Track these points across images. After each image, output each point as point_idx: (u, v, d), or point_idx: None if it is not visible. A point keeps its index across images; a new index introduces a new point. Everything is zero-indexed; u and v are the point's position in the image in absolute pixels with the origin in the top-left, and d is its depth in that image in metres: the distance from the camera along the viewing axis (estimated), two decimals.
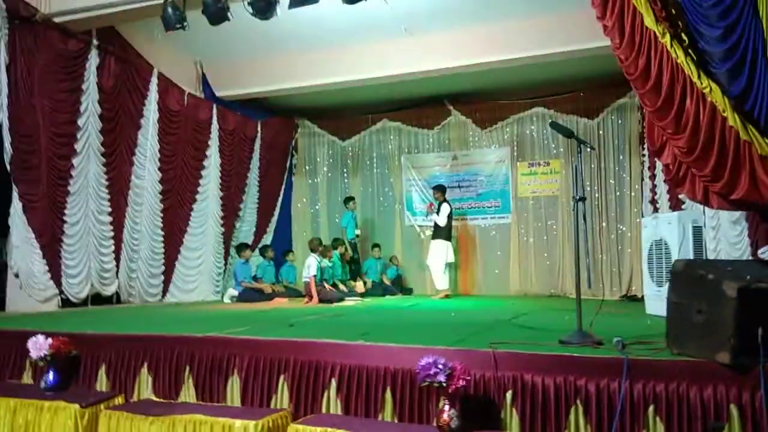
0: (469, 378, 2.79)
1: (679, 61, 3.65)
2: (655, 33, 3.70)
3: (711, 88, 3.57)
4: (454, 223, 10.15)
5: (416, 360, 2.83)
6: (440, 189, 9.16)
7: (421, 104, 10.35)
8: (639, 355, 2.86)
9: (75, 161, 6.81)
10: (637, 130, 9.06)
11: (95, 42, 6.96)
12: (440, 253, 8.79)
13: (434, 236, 8.97)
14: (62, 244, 6.70)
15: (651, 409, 2.69)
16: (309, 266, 8.01)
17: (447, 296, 8.73)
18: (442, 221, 8.80)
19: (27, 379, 4.17)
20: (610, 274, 9.15)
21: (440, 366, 2.74)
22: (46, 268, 6.50)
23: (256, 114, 10.01)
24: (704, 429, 2.59)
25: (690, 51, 3.72)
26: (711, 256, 4.89)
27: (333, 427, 2.85)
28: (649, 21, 3.75)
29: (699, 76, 3.61)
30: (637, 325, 4.44)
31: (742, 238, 4.52)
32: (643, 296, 6.30)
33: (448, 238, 8.93)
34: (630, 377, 2.74)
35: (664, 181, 7.17)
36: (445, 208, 8.84)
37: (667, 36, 3.70)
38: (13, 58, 6.07)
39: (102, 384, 3.93)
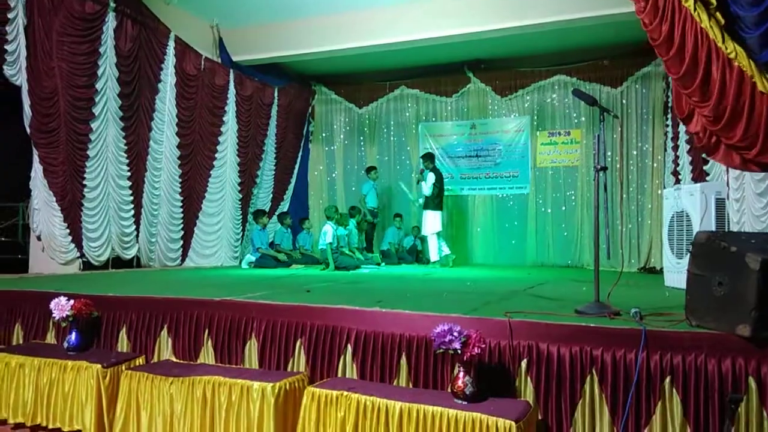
0: (484, 346, 2.79)
1: (702, 25, 3.54)
2: None
3: (736, 53, 3.45)
4: (469, 192, 10.14)
5: (432, 327, 2.84)
6: (428, 157, 8.98)
7: (440, 71, 10.19)
8: (657, 326, 2.84)
9: (94, 125, 6.84)
10: (662, 100, 8.87)
11: (112, 4, 6.91)
12: (430, 223, 8.71)
13: (424, 206, 8.85)
14: (82, 207, 6.79)
15: (668, 380, 2.68)
16: (326, 233, 8.04)
17: (442, 264, 8.71)
18: (427, 190, 8.66)
19: (50, 339, 4.27)
20: (629, 245, 9.06)
21: (455, 333, 2.74)
22: (67, 231, 6.60)
23: (273, 80, 9.95)
24: (722, 401, 2.58)
25: (716, 14, 3.58)
26: (734, 228, 4.80)
27: (349, 391, 2.88)
28: None
29: (723, 41, 3.50)
30: (655, 296, 4.41)
31: (767, 210, 4.43)
32: (662, 268, 6.25)
33: (438, 207, 8.75)
34: (647, 348, 2.72)
35: (688, 152, 7.03)
36: (430, 177, 8.65)
37: (691, 0, 3.58)
38: (30, 20, 6.06)
39: (123, 345, 4.01)
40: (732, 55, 3.45)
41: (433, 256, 8.78)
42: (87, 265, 6.87)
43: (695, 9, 3.56)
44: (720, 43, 3.48)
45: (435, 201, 8.73)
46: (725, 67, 3.48)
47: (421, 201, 8.95)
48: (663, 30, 3.72)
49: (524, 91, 9.89)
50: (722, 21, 3.54)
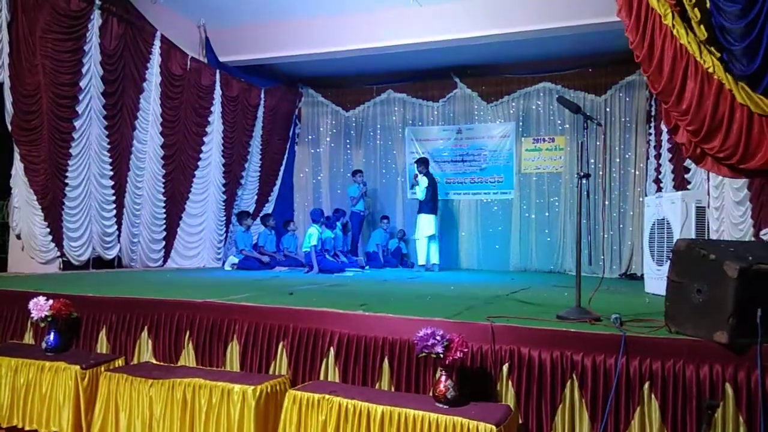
0: (466, 350, 2.80)
1: (681, 41, 3.61)
2: (659, 14, 3.66)
3: (714, 66, 3.53)
4: (454, 197, 10.19)
5: (414, 331, 2.85)
6: (421, 162, 9.06)
7: (427, 76, 10.24)
8: (636, 332, 2.87)
9: (77, 123, 6.76)
10: (645, 108, 8.98)
11: (98, 2, 6.84)
12: (422, 227, 8.77)
13: (418, 210, 8.94)
14: (64, 206, 6.71)
15: (647, 385, 2.71)
16: (311, 236, 8.02)
17: (429, 269, 8.75)
18: (419, 194, 8.76)
19: (28, 339, 4.21)
20: (610, 252, 9.17)
21: (438, 337, 2.75)
22: (48, 230, 6.51)
23: (260, 81, 9.92)
24: (699, 407, 2.61)
25: (700, 27, 3.65)
26: (714, 236, 4.88)
27: (331, 394, 2.87)
28: (653, 1, 3.70)
29: (701, 55, 3.57)
30: (636, 303, 4.45)
31: (745, 219, 4.50)
32: (642, 275, 6.32)
33: (431, 211, 8.83)
34: (627, 354, 2.75)
35: (670, 161, 7.13)
36: (423, 181, 8.74)
37: (670, 17, 3.66)
38: (14, 16, 5.99)
39: (102, 346, 3.96)
40: (710, 69, 3.52)
41: (421, 259, 8.81)
42: (67, 265, 6.78)
43: (674, 26, 3.64)
44: (698, 57, 3.55)
45: (428, 205, 8.78)
46: (704, 81, 3.56)
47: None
48: (645, 46, 3.81)
49: (510, 97, 9.96)
50: (704, 35, 3.61)
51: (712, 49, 3.65)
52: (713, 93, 3.53)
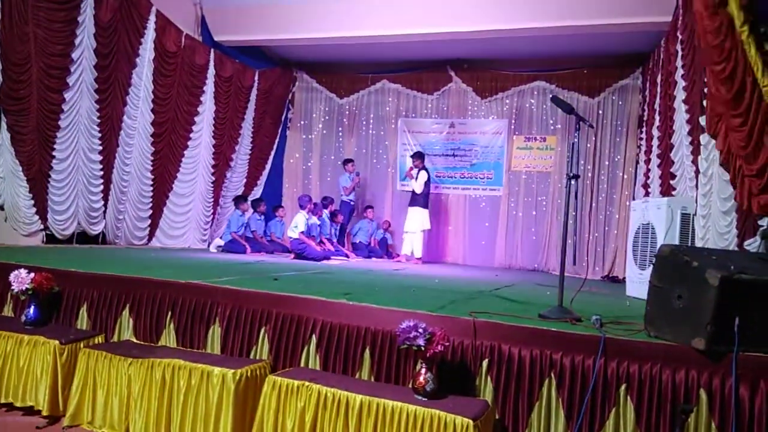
0: (447, 344, 2.81)
1: (750, 54, 3.57)
2: (736, 21, 3.64)
3: None
4: (443, 191, 10.22)
5: (397, 322, 2.86)
6: (419, 156, 9.09)
7: (423, 67, 10.21)
8: (616, 334, 2.90)
9: (67, 95, 6.67)
10: (637, 113, 9.03)
11: None
12: (417, 220, 8.82)
13: (411, 203, 8.96)
14: (50, 179, 6.64)
15: (623, 387, 2.74)
16: (298, 223, 8.00)
17: (415, 262, 8.79)
18: (418, 188, 8.78)
19: (8, 312, 4.17)
20: (594, 253, 9.25)
21: (420, 330, 2.76)
22: (32, 202, 6.45)
23: (255, 62, 9.83)
24: (674, 411, 2.65)
25: (764, 44, 3.59)
26: (699, 244, 4.93)
27: (311, 381, 2.88)
28: (733, 7, 3.66)
29: (763, 74, 3.53)
30: (617, 305, 4.50)
31: (730, 228, 4.55)
32: (624, 278, 6.38)
33: (425, 205, 8.91)
34: (605, 355, 2.78)
35: (658, 166, 7.17)
36: (423, 176, 8.78)
37: (747, 27, 3.60)
38: None
39: (83, 323, 3.93)
40: (765, 90, 3.49)
41: (418, 252, 8.83)
42: (50, 239, 6.72)
43: (747, 39, 3.59)
44: (759, 75, 3.52)
45: (425, 199, 8.85)
46: (760, 100, 3.53)
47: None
48: (716, 46, 3.78)
49: (504, 94, 9.97)
50: None
51: None
52: (762, 113, 3.52)
